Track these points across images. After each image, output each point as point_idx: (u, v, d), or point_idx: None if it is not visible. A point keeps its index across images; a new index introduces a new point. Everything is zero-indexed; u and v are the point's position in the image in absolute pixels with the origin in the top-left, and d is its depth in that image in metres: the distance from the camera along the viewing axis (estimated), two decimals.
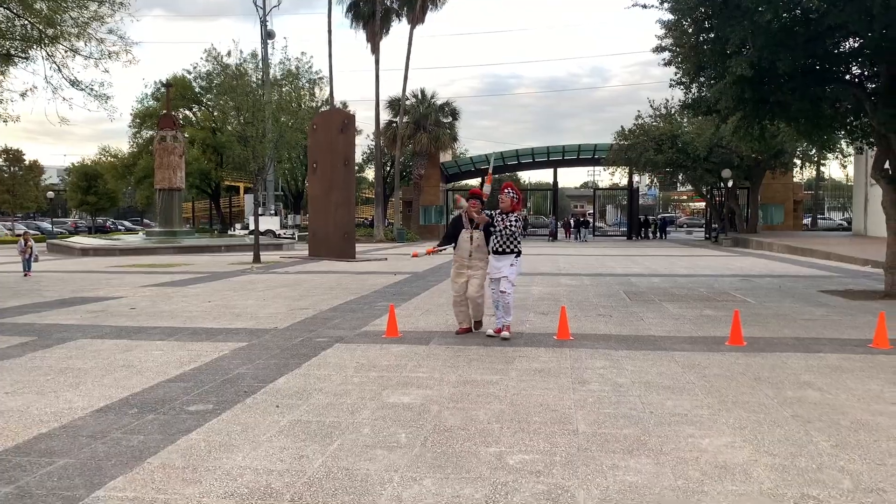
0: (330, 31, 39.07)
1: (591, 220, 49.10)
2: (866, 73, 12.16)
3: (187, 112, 47.84)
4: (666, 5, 11.27)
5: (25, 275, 16.46)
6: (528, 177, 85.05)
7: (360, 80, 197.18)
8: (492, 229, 7.82)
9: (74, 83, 17.10)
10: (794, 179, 44.44)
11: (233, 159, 37.18)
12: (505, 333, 7.76)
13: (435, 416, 4.86)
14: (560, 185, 53.52)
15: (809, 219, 56.95)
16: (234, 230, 45.84)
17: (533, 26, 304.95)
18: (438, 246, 8.47)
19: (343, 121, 23.15)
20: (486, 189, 8.35)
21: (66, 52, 16.69)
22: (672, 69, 12.32)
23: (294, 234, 40.60)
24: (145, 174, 42.06)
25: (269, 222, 40.44)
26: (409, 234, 41.50)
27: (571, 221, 46.94)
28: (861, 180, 35.09)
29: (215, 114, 39.06)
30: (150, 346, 7.47)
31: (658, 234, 47.17)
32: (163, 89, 39.93)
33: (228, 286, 13.95)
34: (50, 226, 50.02)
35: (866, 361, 6.58)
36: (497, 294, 7.83)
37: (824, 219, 62.04)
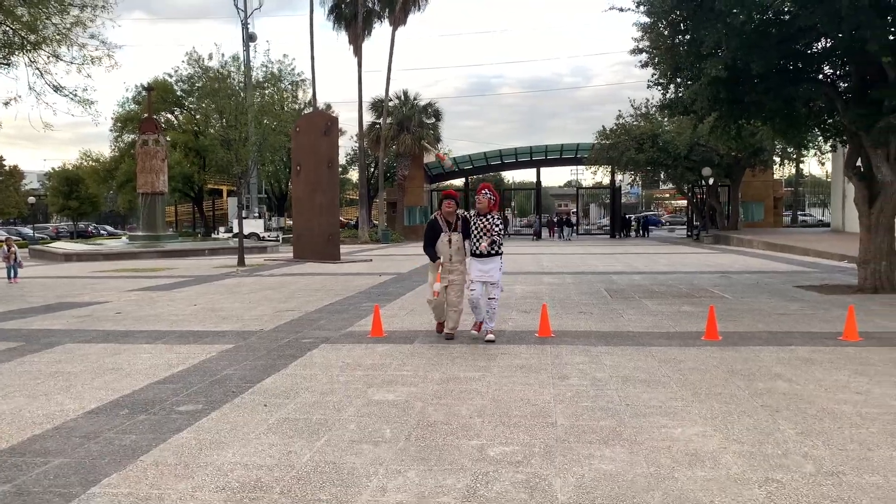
0: (312, 33, 39.10)
1: (574, 219, 49.31)
2: (838, 73, 12.47)
3: (169, 115, 47.52)
4: (642, 8, 11.51)
5: (11, 281, 16.38)
6: (512, 177, 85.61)
7: (344, 81, 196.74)
8: (472, 231, 7.64)
9: (57, 88, 17.14)
10: (775, 177, 44.95)
11: (216, 162, 37.08)
12: (490, 336, 7.70)
13: (419, 411, 5.02)
14: (544, 185, 53.87)
15: (790, 215, 57.70)
16: (218, 233, 45.58)
17: (516, 27, 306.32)
18: (426, 252, 7.82)
19: (326, 123, 23.20)
20: (446, 164, 7.92)
21: (48, 57, 16.73)
22: (650, 70, 12.56)
23: (278, 236, 40.52)
24: (127, 178, 41.75)
25: (254, 225, 40.36)
26: (393, 234, 41.55)
27: (555, 220, 47.24)
28: (839, 177, 35.46)
29: (197, 117, 38.90)
30: (138, 350, 7.56)
31: (641, 233, 47.71)
32: (144, 93, 39.70)
33: (214, 289, 14.02)
34: (31, 231, 49.43)
35: (835, 353, 6.82)
36: (485, 300, 7.65)
37: (805, 215, 62.80)
